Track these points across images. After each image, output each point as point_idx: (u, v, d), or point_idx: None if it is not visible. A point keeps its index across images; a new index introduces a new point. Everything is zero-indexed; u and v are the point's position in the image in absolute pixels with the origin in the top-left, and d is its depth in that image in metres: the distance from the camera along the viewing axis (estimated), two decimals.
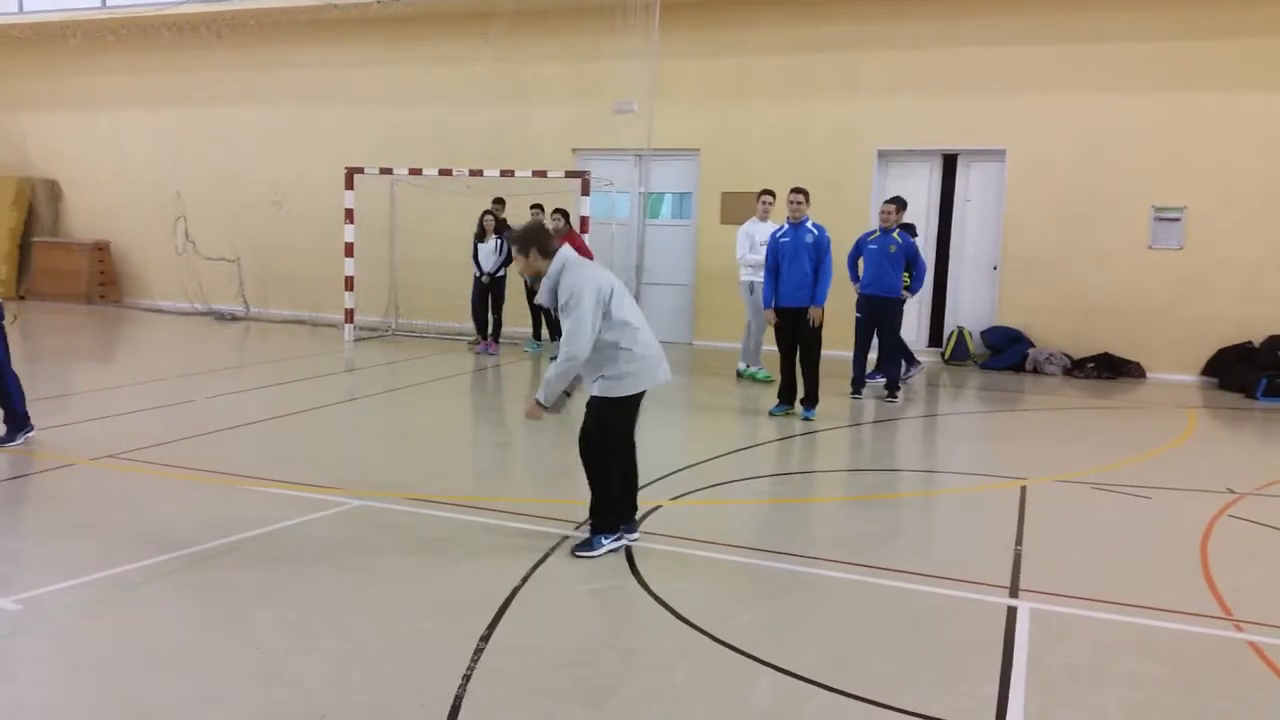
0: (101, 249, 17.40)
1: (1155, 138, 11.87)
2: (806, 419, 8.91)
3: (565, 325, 4.86)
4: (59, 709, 3.52)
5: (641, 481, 6.00)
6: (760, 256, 10.05)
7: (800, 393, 9.07)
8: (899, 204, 10.16)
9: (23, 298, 17.61)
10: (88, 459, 6.92)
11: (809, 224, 9.05)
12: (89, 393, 9.59)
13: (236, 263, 16.29)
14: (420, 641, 4.11)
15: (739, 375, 11.21)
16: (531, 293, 12.63)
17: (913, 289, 10.33)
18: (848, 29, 12.92)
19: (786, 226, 9.13)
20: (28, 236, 17.85)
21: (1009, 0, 12.24)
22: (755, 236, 10.52)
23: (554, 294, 4.92)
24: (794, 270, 8.92)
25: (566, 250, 4.96)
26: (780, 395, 9.16)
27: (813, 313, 8.91)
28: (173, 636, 4.11)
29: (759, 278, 10.26)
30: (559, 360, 4.88)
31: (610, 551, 5.15)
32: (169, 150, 16.49)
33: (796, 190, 9.19)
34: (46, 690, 3.65)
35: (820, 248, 8.94)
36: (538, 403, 5.04)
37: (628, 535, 5.34)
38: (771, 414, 9.03)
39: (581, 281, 4.83)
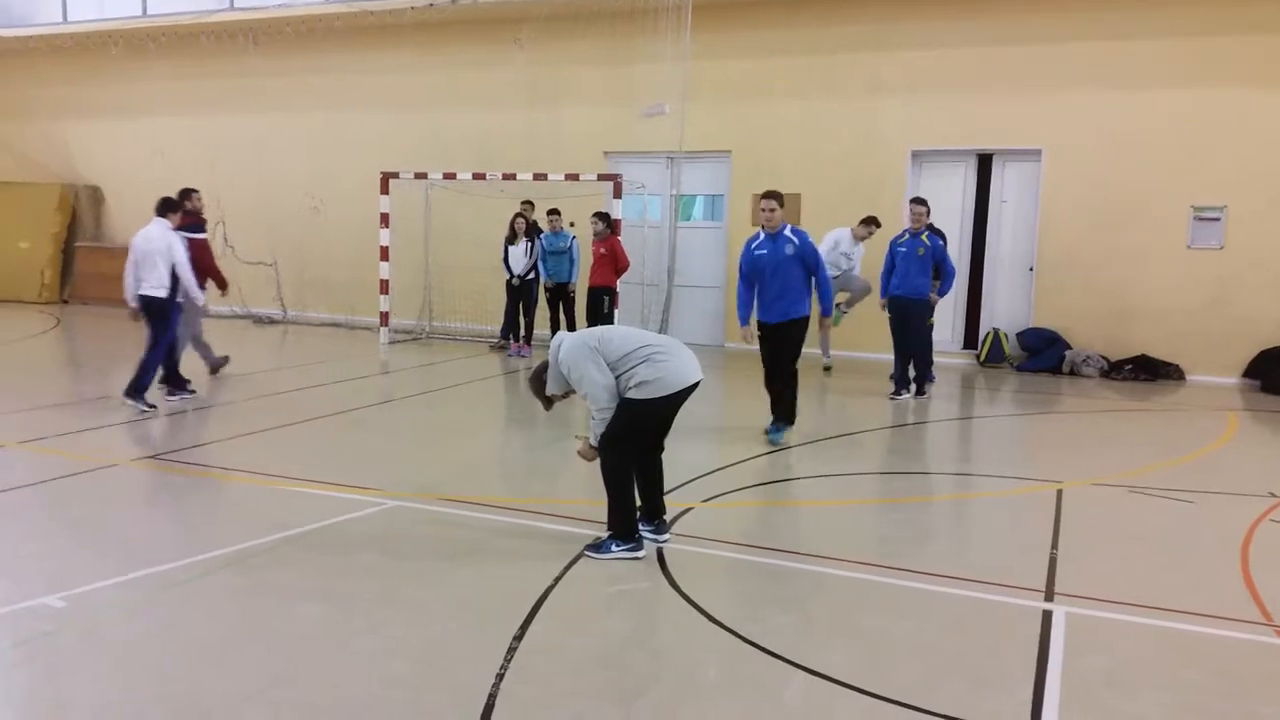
0: None
1: (1194, 135, 11.69)
2: (771, 437, 8.00)
3: (583, 393, 5.11)
4: (102, 704, 3.60)
5: (674, 483, 6.03)
6: (837, 260, 11.27)
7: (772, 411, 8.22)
8: (928, 205, 10.18)
9: (66, 301, 17.96)
10: (130, 459, 7.05)
11: (787, 231, 7.96)
12: None
13: (274, 266, 16.50)
14: (454, 640, 4.15)
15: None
16: (551, 293, 12.73)
17: (940, 292, 10.27)
18: (880, 29, 12.84)
19: (763, 237, 8.02)
20: (71, 241, 18.20)
21: None
22: (840, 244, 11.42)
23: (562, 379, 5.18)
24: (773, 283, 7.94)
25: (552, 345, 5.26)
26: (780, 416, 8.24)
27: (825, 324, 8.73)
28: (213, 634, 4.19)
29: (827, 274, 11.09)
30: (595, 418, 5.10)
31: (620, 559, 5.11)
32: (208, 156, 16.75)
33: (769, 195, 7.99)
34: (90, 686, 3.73)
35: (805, 258, 7.91)
36: (590, 445, 5.21)
37: (657, 538, 5.36)
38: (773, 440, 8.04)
39: (572, 353, 5.10)
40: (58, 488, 6.37)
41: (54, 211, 17.90)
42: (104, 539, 5.43)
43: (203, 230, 10.38)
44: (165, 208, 8.99)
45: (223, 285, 10.51)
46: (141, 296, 8.75)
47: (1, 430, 7.80)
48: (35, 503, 6.10)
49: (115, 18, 16.80)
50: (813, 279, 8.00)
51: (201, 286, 9.60)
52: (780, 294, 7.94)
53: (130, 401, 8.61)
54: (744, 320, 8.15)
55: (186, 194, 9.72)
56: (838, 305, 11.71)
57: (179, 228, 9.07)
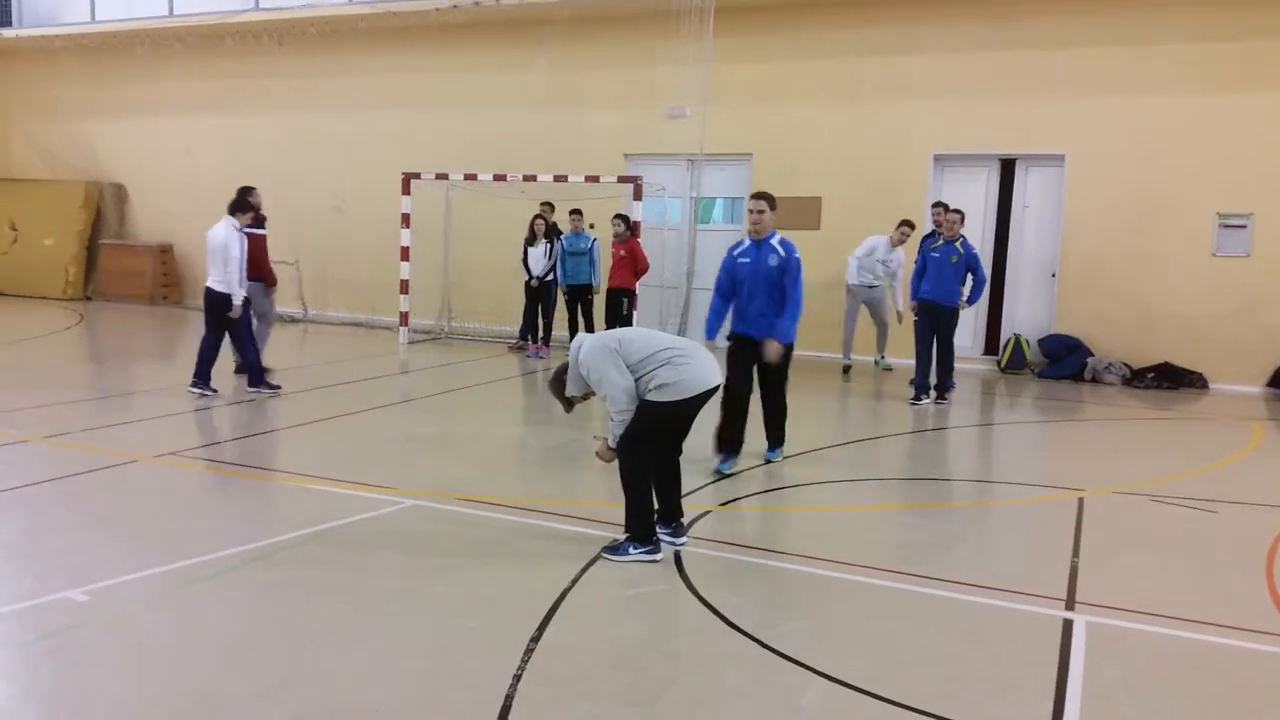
0: (165, 251, 17.84)
1: (1219, 141, 11.58)
2: (770, 460, 7.41)
3: (602, 394, 5.11)
4: (124, 698, 3.62)
5: (692, 486, 6.01)
6: (873, 267, 11.63)
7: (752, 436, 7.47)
8: (959, 212, 10.19)
9: (89, 298, 18.13)
10: (151, 456, 7.10)
11: (775, 241, 7.14)
12: (152, 391, 9.84)
13: (296, 265, 16.59)
14: (472, 640, 4.16)
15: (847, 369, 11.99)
16: (570, 294, 12.73)
17: (970, 299, 10.25)
18: (903, 32, 12.80)
19: (748, 243, 7.24)
20: (95, 239, 18.37)
21: (1066, 1, 12.05)
22: (876, 251, 11.65)
23: (582, 380, 5.18)
24: (754, 296, 7.14)
25: (572, 347, 5.25)
26: (722, 444, 7.18)
27: (771, 348, 7.01)
28: (233, 630, 4.21)
29: (858, 280, 11.67)
30: (614, 419, 5.10)
31: (638, 562, 5.10)
32: (232, 155, 16.88)
33: (758, 196, 7.19)
34: (112, 680, 3.76)
35: (787, 272, 7.04)
36: (608, 446, 5.22)
37: (674, 541, 5.35)
38: (720, 471, 7.04)
39: (592, 355, 5.11)
40: (81, 482, 6.42)
41: (79, 209, 18.08)
42: (127, 534, 5.47)
43: (263, 226, 10.48)
44: (235, 207, 9.38)
45: (272, 283, 10.62)
46: (207, 289, 9.28)
47: (26, 425, 7.88)
48: (59, 497, 6.15)
49: (141, 17, 16.97)
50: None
51: (258, 280, 9.99)
52: (763, 310, 7.09)
53: (256, 389, 9.46)
54: (710, 334, 7.23)
55: (247, 191, 9.79)
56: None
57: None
